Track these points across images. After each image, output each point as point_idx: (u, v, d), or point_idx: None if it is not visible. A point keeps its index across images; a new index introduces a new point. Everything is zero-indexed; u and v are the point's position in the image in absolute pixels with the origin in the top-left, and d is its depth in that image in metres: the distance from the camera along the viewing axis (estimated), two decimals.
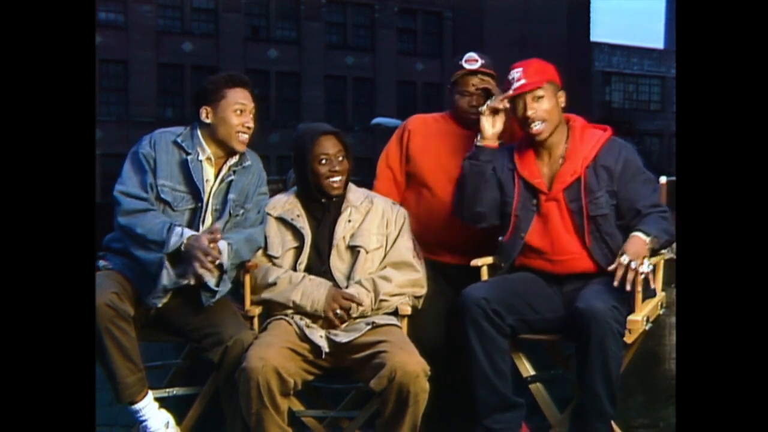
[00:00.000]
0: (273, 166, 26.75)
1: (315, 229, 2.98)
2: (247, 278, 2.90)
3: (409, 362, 2.63)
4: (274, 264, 2.96)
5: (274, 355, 2.66)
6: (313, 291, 2.85)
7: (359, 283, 2.90)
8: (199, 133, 2.86)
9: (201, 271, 2.62)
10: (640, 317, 2.68)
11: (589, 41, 36.60)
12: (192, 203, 2.82)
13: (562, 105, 2.93)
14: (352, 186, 3.04)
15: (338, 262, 2.95)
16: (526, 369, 2.96)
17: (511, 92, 2.87)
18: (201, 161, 2.84)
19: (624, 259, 2.60)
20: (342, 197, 3.00)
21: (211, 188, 2.85)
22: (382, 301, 2.89)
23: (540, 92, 2.86)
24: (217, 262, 2.69)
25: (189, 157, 2.82)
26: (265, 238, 2.95)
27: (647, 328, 2.75)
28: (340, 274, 2.93)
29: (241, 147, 2.86)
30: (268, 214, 2.97)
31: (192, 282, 2.67)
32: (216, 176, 2.87)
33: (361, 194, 3.05)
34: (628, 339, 2.69)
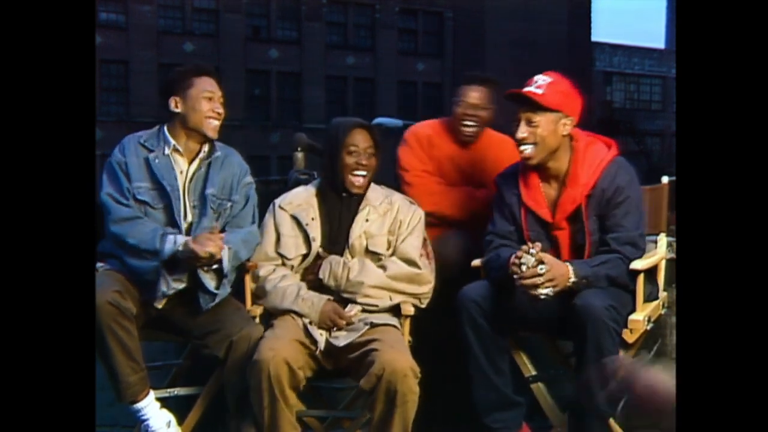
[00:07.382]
0: (273, 166, 26.74)
1: (328, 232, 2.96)
2: (248, 278, 2.90)
3: (397, 360, 2.60)
4: (284, 263, 2.95)
5: (283, 346, 2.66)
6: (308, 312, 2.84)
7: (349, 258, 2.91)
8: (165, 129, 2.89)
9: (205, 252, 2.64)
10: (642, 317, 2.69)
11: (590, 41, 36.54)
12: (166, 199, 2.82)
13: (564, 133, 2.77)
14: (372, 185, 3.02)
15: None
16: (527, 368, 2.96)
17: (516, 90, 2.76)
18: (168, 155, 2.85)
19: (541, 269, 2.57)
20: (361, 195, 2.98)
21: (184, 182, 2.86)
22: (357, 284, 2.85)
23: (538, 117, 2.74)
24: (216, 267, 2.71)
25: (151, 155, 2.84)
26: (279, 236, 2.95)
27: (648, 327, 2.75)
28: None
29: (213, 134, 2.89)
30: (283, 209, 2.97)
31: (202, 268, 2.71)
32: (187, 170, 2.89)
33: (381, 193, 3.02)
34: (629, 338, 2.69)
